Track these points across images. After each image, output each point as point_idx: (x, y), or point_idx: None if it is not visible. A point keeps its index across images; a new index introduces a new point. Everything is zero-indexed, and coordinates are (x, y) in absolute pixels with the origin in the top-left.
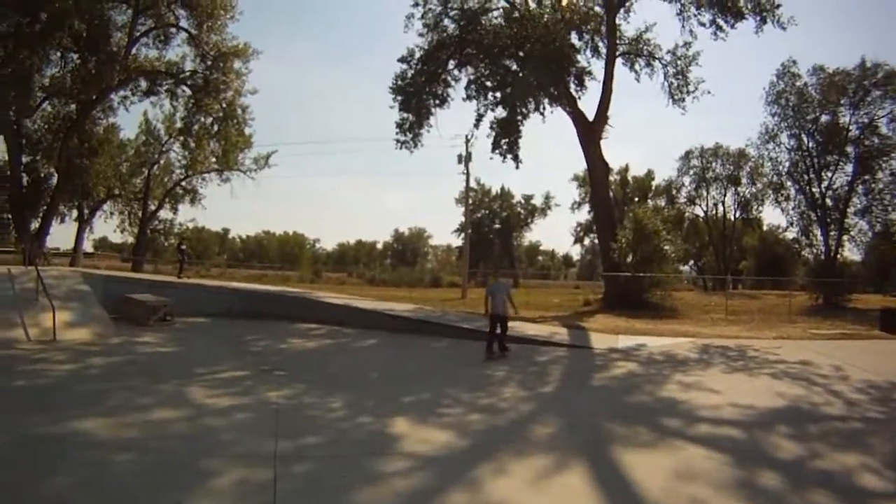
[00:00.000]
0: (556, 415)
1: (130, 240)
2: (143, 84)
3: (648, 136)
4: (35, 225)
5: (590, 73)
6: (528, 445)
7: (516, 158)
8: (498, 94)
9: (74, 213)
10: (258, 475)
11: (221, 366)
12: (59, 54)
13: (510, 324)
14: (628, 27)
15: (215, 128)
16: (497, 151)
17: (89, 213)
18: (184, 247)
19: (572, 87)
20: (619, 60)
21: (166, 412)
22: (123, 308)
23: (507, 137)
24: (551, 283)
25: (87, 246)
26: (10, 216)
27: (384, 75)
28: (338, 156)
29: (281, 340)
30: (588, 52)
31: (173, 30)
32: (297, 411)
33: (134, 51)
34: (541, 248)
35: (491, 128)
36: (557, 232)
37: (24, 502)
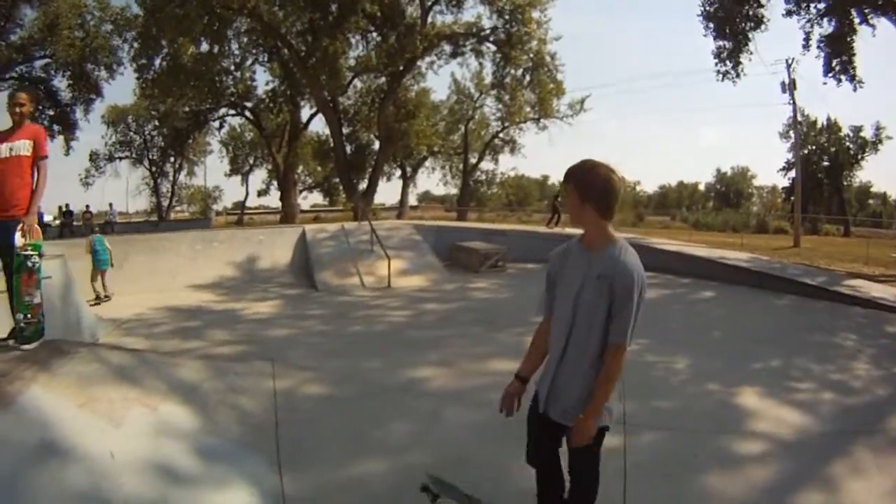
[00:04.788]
0: None
1: (453, 191)
2: (447, 48)
3: None
4: (362, 186)
5: None
6: (886, 441)
7: (853, 79)
8: (821, 5)
9: (398, 171)
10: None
11: None
12: (358, 36)
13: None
14: None
15: (527, 78)
16: (830, 74)
17: (412, 171)
18: (560, 199)
19: None
20: None
21: (504, 363)
22: (455, 255)
23: (838, 56)
24: (884, 232)
25: (412, 199)
26: (337, 180)
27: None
28: (651, 93)
29: None
30: None
31: None
32: (642, 370)
33: (430, 19)
34: (871, 189)
35: (818, 47)
36: (891, 170)
37: (367, 446)
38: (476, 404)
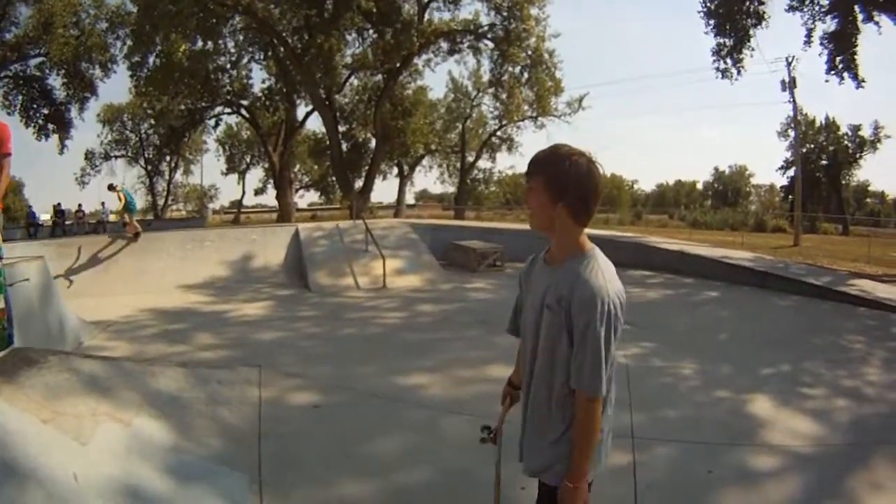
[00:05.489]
0: None
1: (450, 189)
2: (444, 45)
3: None
4: (359, 184)
5: None
6: None
7: (856, 77)
8: (825, 2)
9: (395, 169)
10: (614, 456)
11: None
12: (354, 33)
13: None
14: None
15: (525, 75)
16: (833, 72)
17: (409, 169)
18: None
19: None
20: None
21: (503, 369)
22: (452, 255)
23: (841, 54)
24: (881, 231)
25: (409, 198)
26: (334, 178)
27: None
28: (649, 92)
29: None
30: None
31: None
32: (649, 376)
33: (427, 16)
34: (869, 188)
35: (821, 44)
36: (889, 169)
37: (356, 463)
38: (474, 415)
